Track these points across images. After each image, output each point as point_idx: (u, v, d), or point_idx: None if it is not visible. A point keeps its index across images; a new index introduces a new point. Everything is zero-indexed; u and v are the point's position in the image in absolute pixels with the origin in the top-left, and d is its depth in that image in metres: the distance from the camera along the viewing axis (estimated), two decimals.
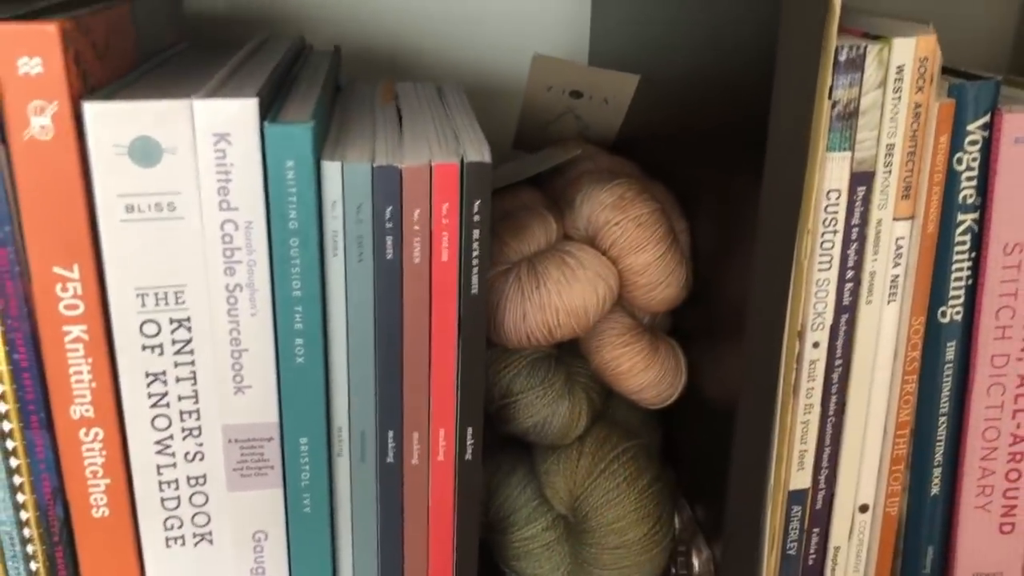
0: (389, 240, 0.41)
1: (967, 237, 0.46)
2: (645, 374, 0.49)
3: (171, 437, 0.42)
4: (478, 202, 0.41)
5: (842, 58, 0.41)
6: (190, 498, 0.43)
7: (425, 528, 0.46)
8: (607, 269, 0.48)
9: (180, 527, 0.44)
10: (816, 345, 0.45)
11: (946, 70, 0.48)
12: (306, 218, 0.40)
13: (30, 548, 0.43)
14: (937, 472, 0.49)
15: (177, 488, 0.43)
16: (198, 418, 0.42)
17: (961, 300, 0.47)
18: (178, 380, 0.42)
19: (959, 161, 0.45)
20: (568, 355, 0.52)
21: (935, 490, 0.50)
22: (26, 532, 0.43)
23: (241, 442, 0.43)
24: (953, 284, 0.46)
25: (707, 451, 0.49)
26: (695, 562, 0.50)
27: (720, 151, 0.46)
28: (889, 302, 0.46)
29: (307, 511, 0.44)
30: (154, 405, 0.42)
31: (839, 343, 0.46)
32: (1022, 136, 0.44)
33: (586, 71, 0.58)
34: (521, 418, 0.50)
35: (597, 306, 0.47)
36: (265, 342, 0.41)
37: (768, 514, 0.47)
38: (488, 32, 0.69)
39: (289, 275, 0.40)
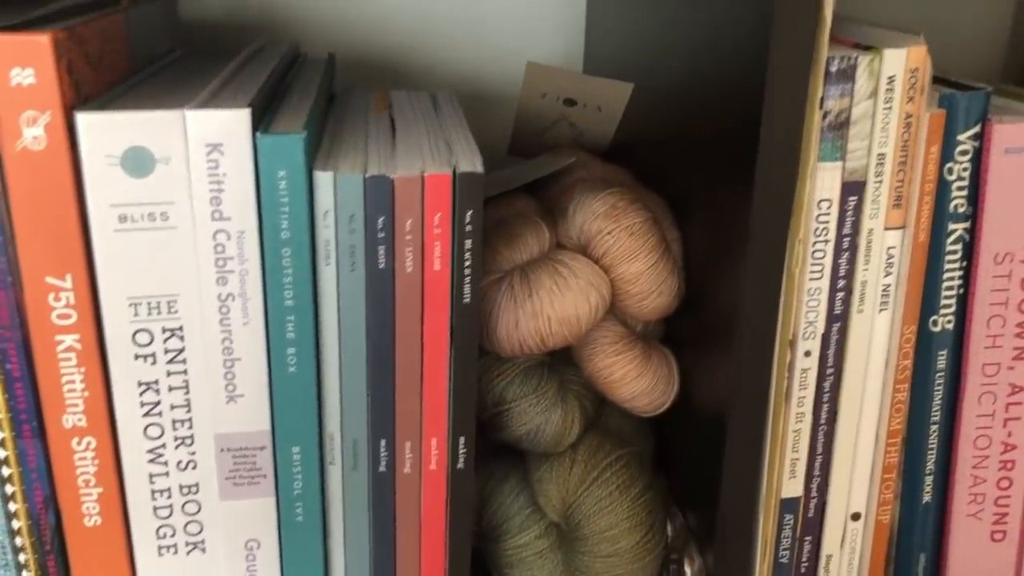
0: (381, 250, 0.41)
1: (958, 246, 0.46)
2: (638, 382, 0.50)
3: (163, 446, 0.42)
4: (470, 212, 0.41)
5: (833, 69, 0.41)
6: (183, 507, 0.43)
7: (417, 537, 0.46)
8: (599, 278, 0.48)
9: (173, 536, 0.44)
10: (808, 354, 0.46)
11: (937, 80, 0.48)
12: (298, 228, 0.40)
13: (22, 557, 0.43)
14: (929, 480, 0.50)
15: (170, 497, 0.43)
16: (191, 427, 0.42)
17: (952, 309, 0.47)
18: (171, 389, 0.42)
19: (950, 171, 0.45)
20: (561, 363, 0.52)
21: (927, 498, 0.50)
22: (18, 541, 0.43)
23: (233, 451, 0.43)
24: (944, 293, 0.47)
25: (699, 459, 0.49)
26: (687, 570, 0.50)
27: (712, 160, 0.47)
28: (881, 311, 0.46)
29: (299, 520, 0.44)
30: (147, 414, 0.42)
31: (831, 352, 0.46)
32: (1012, 146, 0.44)
33: (580, 79, 0.58)
34: (514, 426, 0.50)
35: (589, 315, 0.48)
36: (257, 351, 0.41)
37: (760, 522, 0.48)
38: (484, 39, 0.70)
39: (281, 284, 0.40)
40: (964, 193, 0.45)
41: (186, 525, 0.44)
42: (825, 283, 0.45)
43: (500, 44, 0.70)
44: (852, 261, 0.45)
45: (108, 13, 0.44)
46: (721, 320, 0.46)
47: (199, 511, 0.44)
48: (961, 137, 0.44)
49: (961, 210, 0.45)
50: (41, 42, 0.36)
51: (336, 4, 0.67)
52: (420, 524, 0.45)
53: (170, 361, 0.41)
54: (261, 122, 0.40)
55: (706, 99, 0.47)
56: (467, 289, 0.42)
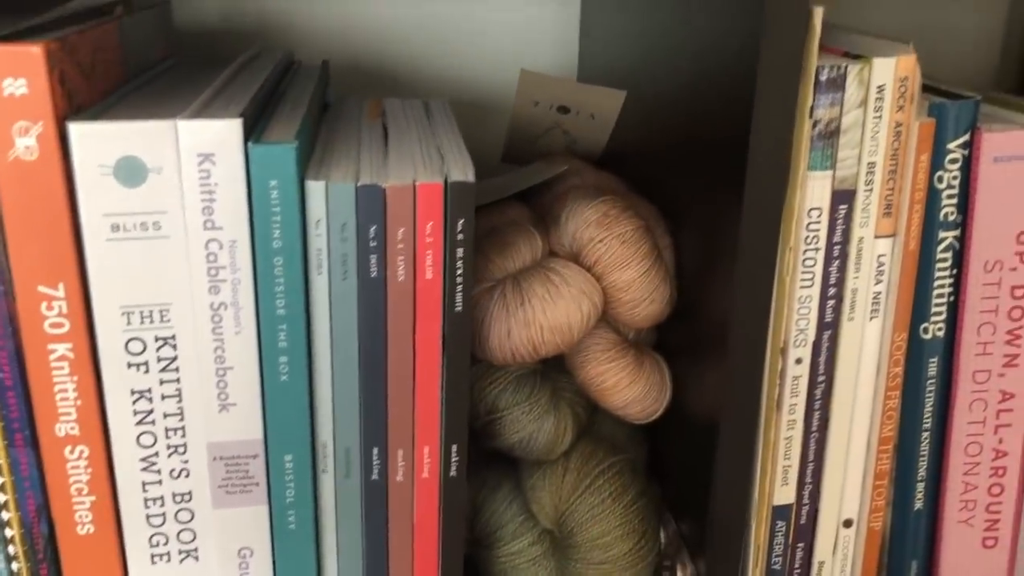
0: (373, 258, 0.41)
1: (948, 254, 0.46)
2: (630, 389, 0.50)
3: (156, 454, 0.42)
4: (462, 221, 0.41)
5: (823, 78, 0.42)
6: (175, 515, 0.43)
7: (410, 545, 0.46)
8: (591, 286, 0.48)
9: (165, 544, 0.44)
10: (799, 361, 0.46)
11: (927, 88, 0.48)
12: (290, 237, 0.40)
13: (15, 566, 0.43)
14: (920, 487, 0.50)
15: (162, 505, 0.43)
16: (183, 435, 0.42)
17: (943, 316, 0.47)
18: (163, 398, 0.42)
19: (940, 179, 0.45)
20: (554, 371, 0.52)
21: (918, 505, 0.50)
22: (11, 549, 0.43)
23: (226, 459, 0.43)
24: (935, 301, 0.47)
25: (692, 466, 0.49)
26: None
27: (704, 168, 0.47)
28: (871, 318, 0.46)
29: (292, 528, 0.44)
30: (139, 422, 0.42)
31: (822, 359, 0.46)
32: (1001, 155, 0.45)
33: (573, 86, 0.58)
34: (507, 434, 0.50)
35: (581, 322, 0.48)
36: (250, 360, 0.41)
37: (752, 529, 0.48)
38: (478, 47, 0.70)
39: (273, 293, 0.41)
40: (954, 201, 0.45)
41: (179, 533, 0.44)
42: (816, 291, 0.45)
43: (494, 52, 0.70)
44: (843, 269, 0.45)
45: (102, 22, 0.44)
46: (713, 328, 0.46)
47: (192, 519, 0.44)
48: (951, 146, 0.45)
49: (951, 218, 0.46)
50: (33, 53, 0.36)
51: (331, 12, 0.68)
52: (413, 532, 0.46)
53: (163, 370, 0.41)
54: (253, 131, 0.41)
55: (698, 107, 0.47)
56: (459, 298, 0.42)
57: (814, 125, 0.42)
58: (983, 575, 0.51)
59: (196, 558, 0.44)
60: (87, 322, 0.40)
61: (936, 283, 0.46)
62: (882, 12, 0.73)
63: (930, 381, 0.48)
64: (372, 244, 0.41)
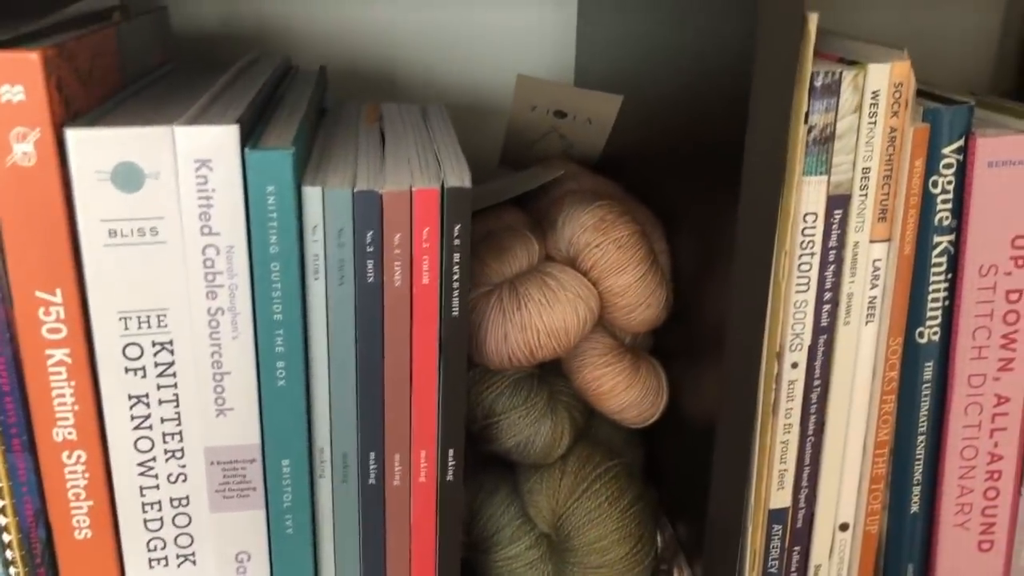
0: (370, 264, 0.41)
1: (943, 259, 0.46)
2: (627, 394, 0.50)
3: (154, 459, 0.43)
4: (458, 226, 0.41)
5: (818, 83, 0.42)
6: (173, 519, 0.44)
7: (407, 549, 0.46)
8: (588, 290, 0.48)
9: (163, 548, 0.44)
10: (795, 365, 0.46)
11: (921, 93, 0.48)
12: (287, 242, 0.40)
13: (12, 571, 0.43)
14: (916, 491, 0.50)
15: (160, 509, 0.43)
16: (181, 440, 0.42)
17: (938, 321, 0.47)
18: (161, 402, 0.42)
19: (934, 184, 0.45)
20: (550, 374, 0.52)
21: (914, 508, 0.50)
22: (8, 554, 0.43)
23: (223, 464, 0.43)
24: (930, 305, 0.47)
25: (688, 470, 0.49)
26: None
27: (700, 173, 0.47)
28: (867, 323, 0.46)
29: (289, 532, 0.44)
30: (137, 427, 0.42)
31: (818, 363, 0.46)
32: (996, 160, 0.45)
33: (570, 91, 0.58)
34: (504, 438, 0.50)
35: (578, 327, 0.48)
36: (247, 365, 0.41)
37: (749, 533, 0.48)
38: (475, 52, 0.70)
39: (270, 299, 0.41)
40: (948, 206, 0.46)
41: (176, 538, 0.44)
42: (811, 295, 0.45)
43: (491, 57, 0.70)
44: (838, 274, 0.45)
45: (99, 27, 0.44)
46: (709, 332, 0.46)
47: (189, 524, 0.44)
48: (945, 151, 0.45)
49: (946, 223, 0.46)
50: (31, 59, 0.36)
51: (328, 16, 0.68)
52: (410, 536, 0.46)
53: (160, 375, 0.41)
54: (251, 137, 0.41)
55: (694, 112, 0.47)
56: (455, 303, 0.42)
57: (809, 130, 0.42)
58: None
59: (194, 562, 0.44)
60: (85, 327, 0.40)
61: (931, 287, 0.47)
62: (878, 16, 0.73)
63: (926, 385, 0.48)
64: (369, 249, 0.41)
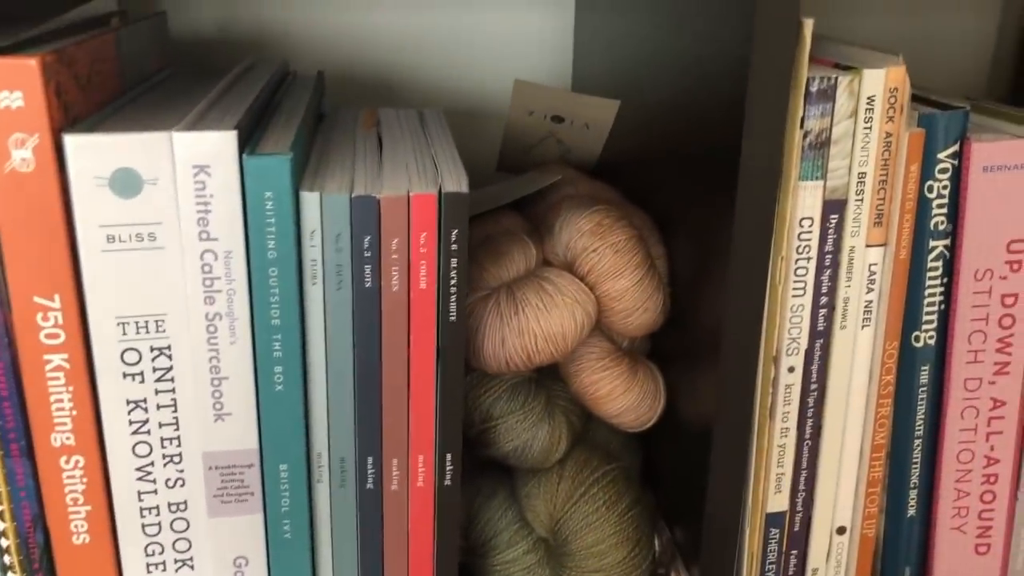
0: (368, 269, 0.41)
1: (939, 263, 0.47)
2: (624, 398, 0.50)
3: (152, 464, 0.43)
4: (455, 231, 0.42)
5: (813, 89, 0.42)
6: (171, 524, 0.44)
7: (405, 553, 0.46)
8: (585, 295, 0.48)
9: (161, 553, 0.44)
10: (791, 369, 0.46)
11: (916, 98, 0.48)
12: (285, 248, 0.40)
13: None
14: (913, 494, 0.50)
15: (158, 514, 0.43)
16: (179, 445, 0.43)
17: (934, 325, 0.47)
18: (159, 407, 0.42)
19: (930, 189, 0.45)
20: (548, 379, 0.52)
21: (911, 512, 0.50)
22: (6, 559, 0.43)
23: (221, 469, 0.43)
24: (926, 309, 0.47)
25: (685, 474, 0.49)
26: None
27: (696, 178, 0.47)
28: (863, 327, 0.46)
29: (287, 537, 0.44)
30: (135, 432, 0.42)
31: (814, 367, 0.46)
32: (991, 164, 0.45)
33: (567, 96, 0.59)
34: (501, 442, 0.50)
35: (575, 331, 0.48)
36: (245, 370, 0.42)
37: (746, 537, 0.48)
38: (473, 57, 0.70)
39: (268, 304, 0.41)
40: (944, 211, 0.46)
41: (174, 542, 0.44)
42: (808, 300, 0.45)
43: (488, 62, 0.70)
44: (834, 278, 0.45)
45: (98, 33, 0.44)
46: (706, 336, 0.46)
47: (187, 528, 0.44)
48: (940, 155, 0.45)
49: (941, 227, 0.46)
50: (29, 65, 0.36)
51: (326, 22, 0.68)
52: (408, 541, 0.46)
53: (158, 380, 0.41)
54: (248, 142, 0.41)
55: (690, 118, 0.47)
56: (453, 307, 0.43)
57: (805, 136, 0.43)
58: None
59: (192, 567, 0.44)
60: (83, 333, 0.40)
61: (927, 292, 0.47)
62: (874, 22, 0.74)
63: (922, 389, 0.48)
64: (366, 254, 0.41)
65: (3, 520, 0.42)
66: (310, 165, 0.44)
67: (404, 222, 0.41)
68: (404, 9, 0.68)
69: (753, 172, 0.42)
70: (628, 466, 0.53)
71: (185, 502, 0.43)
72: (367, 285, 0.42)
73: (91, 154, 0.38)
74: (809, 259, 0.44)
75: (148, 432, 0.42)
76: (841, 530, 0.50)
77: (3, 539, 0.43)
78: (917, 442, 0.49)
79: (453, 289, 0.42)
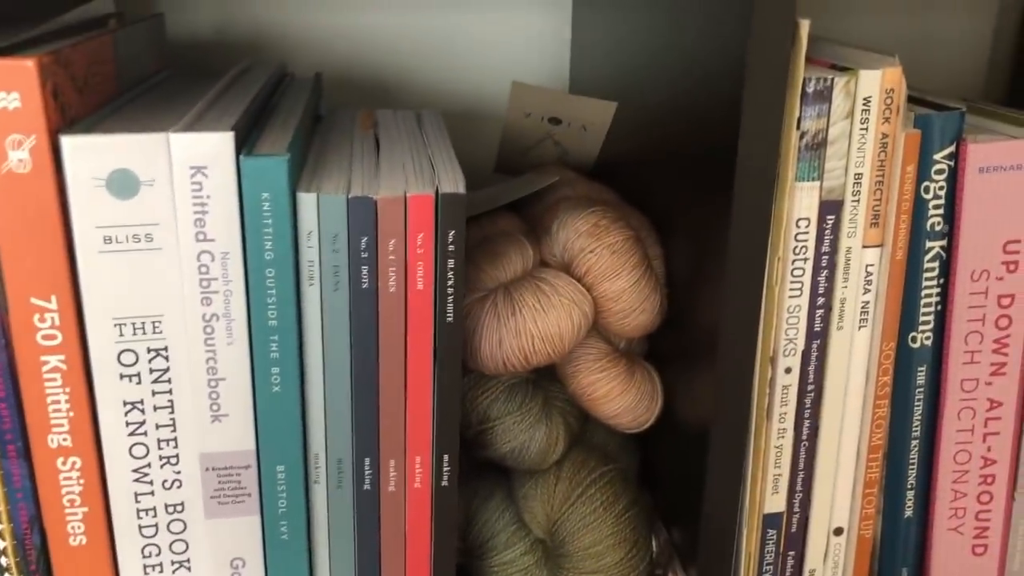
0: (365, 270, 0.41)
1: (935, 264, 0.47)
2: (621, 399, 0.50)
3: (149, 465, 0.43)
4: (452, 232, 0.42)
5: (810, 89, 0.42)
6: (168, 525, 0.44)
7: (402, 554, 0.46)
8: (582, 296, 0.48)
9: (158, 554, 0.44)
10: (788, 370, 0.46)
11: (913, 99, 0.48)
12: (282, 249, 0.40)
13: None
14: (910, 495, 0.50)
15: (155, 516, 0.43)
16: (175, 446, 0.42)
17: (931, 325, 0.47)
18: (155, 409, 0.42)
19: (926, 190, 0.45)
20: (545, 380, 0.52)
21: (908, 513, 0.50)
22: (3, 561, 0.43)
23: (218, 470, 0.43)
24: (923, 310, 0.47)
25: (682, 475, 0.49)
26: None
27: (693, 179, 0.47)
28: (860, 328, 0.46)
29: (284, 538, 0.44)
30: (132, 433, 0.42)
31: (811, 368, 0.46)
32: (987, 165, 0.45)
33: (564, 98, 0.59)
34: (499, 443, 0.50)
35: (572, 332, 0.48)
36: (242, 371, 0.42)
37: (743, 537, 0.48)
38: (470, 59, 0.70)
39: (265, 305, 0.41)
40: (940, 211, 0.46)
41: (171, 544, 0.44)
42: (805, 300, 0.45)
43: (486, 63, 0.70)
44: (831, 279, 0.45)
45: (95, 35, 0.45)
46: (703, 337, 0.46)
47: (184, 530, 0.44)
48: (937, 156, 0.45)
49: (938, 228, 0.46)
50: (26, 67, 0.36)
51: (324, 24, 0.68)
52: (405, 542, 0.46)
53: (155, 381, 0.41)
54: (246, 143, 0.41)
55: (687, 119, 0.48)
56: (450, 308, 0.43)
57: (801, 136, 0.43)
58: None
59: (188, 569, 0.44)
60: (79, 334, 0.40)
61: (923, 292, 0.47)
62: (871, 23, 0.74)
63: (919, 390, 0.48)
64: (363, 255, 0.41)
65: (0, 522, 0.42)
66: (307, 166, 0.44)
67: (401, 223, 0.41)
68: (401, 11, 0.68)
69: (749, 173, 0.42)
70: (625, 467, 0.53)
71: (182, 503, 0.43)
72: (364, 286, 0.42)
73: (88, 155, 0.38)
74: (806, 260, 0.44)
75: (145, 433, 0.42)
76: (838, 531, 0.50)
77: (0, 541, 0.43)
78: (914, 443, 0.49)
79: (450, 290, 0.42)
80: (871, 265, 0.46)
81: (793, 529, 0.49)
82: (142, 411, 0.42)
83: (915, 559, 0.51)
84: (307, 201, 0.40)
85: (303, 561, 0.45)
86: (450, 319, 0.43)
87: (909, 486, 0.50)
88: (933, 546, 0.51)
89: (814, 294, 0.45)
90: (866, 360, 0.47)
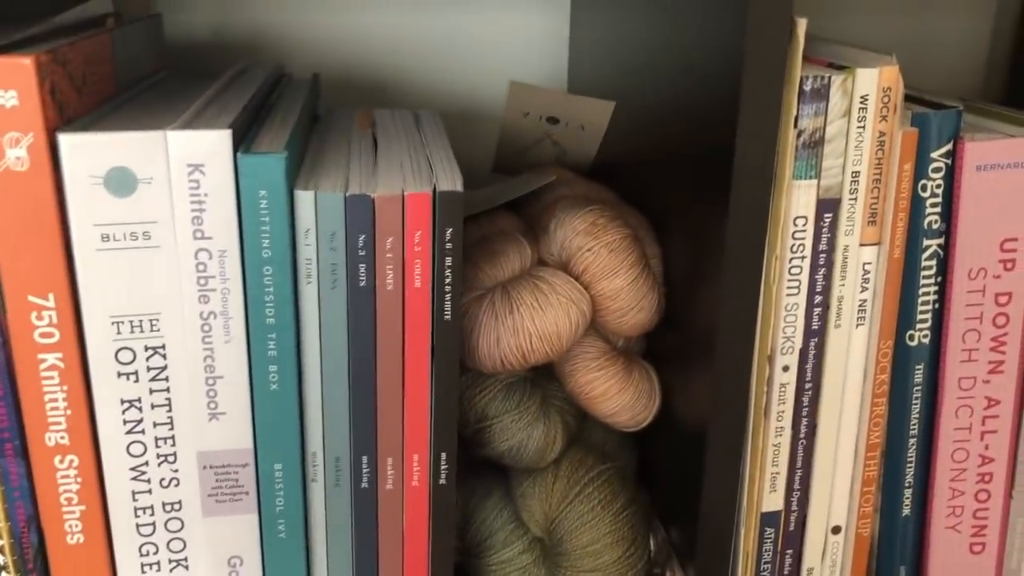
0: (362, 268, 0.41)
1: (933, 262, 0.47)
2: (619, 397, 0.50)
3: (146, 463, 0.43)
4: (450, 230, 0.42)
5: (807, 88, 0.42)
6: (165, 524, 0.44)
7: (400, 553, 0.46)
8: (580, 294, 0.48)
9: (156, 553, 0.44)
10: (786, 368, 0.46)
11: (910, 98, 0.49)
12: (279, 246, 0.40)
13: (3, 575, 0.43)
14: (908, 493, 0.50)
15: (152, 514, 0.43)
16: (173, 444, 0.42)
17: (928, 324, 0.47)
18: (153, 407, 0.42)
19: (923, 188, 0.46)
20: (543, 378, 0.52)
21: (906, 511, 0.50)
22: (0, 559, 0.43)
23: (216, 468, 0.43)
24: (920, 308, 0.47)
25: (680, 473, 0.49)
26: None
27: (691, 178, 0.47)
28: (857, 326, 0.46)
29: (282, 536, 0.44)
30: (129, 432, 0.42)
31: (809, 366, 0.46)
32: (984, 163, 0.45)
33: (562, 97, 0.59)
34: (497, 442, 0.50)
35: (570, 331, 0.48)
36: (239, 369, 0.42)
37: (741, 536, 0.48)
38: (468, 59, 0.70)
39: (263, 303, 0.41)
40: (938, 210, 0.46)
41: (169, 542, 0.44)
42: (802, 299, 0.45)
43: (484, 64, 0.71)
44: (828, 277, 0.45)
45: (94, 34, 0.45)
46: (700, 335, 0.46)
47: (182, 528, 0.44)
48: (934, 155, 0.45)
49: (935, 226, 0.46)
50: (24, 64, 0.36)
51: (322, 24, 0.68)
52: (403, 540, 0.46)
53: (153, 379, 0.41)
54: (243, 142, 0.41)
55: (685, 118, 0.48)
56: (448, 306, 0.43)
57: (799, 135, 0.43)
58: None
59: (186, 567, 0.44)
60: (77, 332, 0.40)
61: (921, 290, 0.47)
62: (870, 23, 0.74)
63: (916, 388, 0.48)
64: (361, 253, 0.41)
65: None
66: (305, 164, 0.44)
67: (399, 221, 0.41)
68: (399, 11, 0.69)
69: (747, 171, 0.42)
70: (623, 466, 0.53)
71: (180, 502, 0.43)
72: (362, 284, 0.42)
73: (86, 153, 0.38)
74: (803, 258, 0.45)
75: (142, 431, 0.42)
76: (836, 529, 0.50)
77: None
78: (912, 441, 0.49)
79: (448, 288, 0.42)
80: (868, 263, 0.46)
81: (791, 527, 0.49)
82: (140, 409, 0.42)
83: (913, 557, 0.51)
84: (305, 199, 0.40)
85: (301, 560, 0.45)
86: (448, 317, 0.43)
87: (907, 484, 0.50)
88: (931, 544, 0.51)
89: (812, 292, 0.45)
90: (864, 358, 0.47)
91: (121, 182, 0.39)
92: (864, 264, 0.46)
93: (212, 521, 0.44)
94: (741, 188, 0.42)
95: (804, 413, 0.47)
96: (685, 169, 0.48)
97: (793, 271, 0.45)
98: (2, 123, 0.37)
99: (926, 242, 0.46)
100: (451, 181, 0.42)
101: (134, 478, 0.43)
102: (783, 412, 0.47)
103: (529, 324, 0.47)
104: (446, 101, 0.71)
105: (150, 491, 0.43)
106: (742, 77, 0.40)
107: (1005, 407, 0.49)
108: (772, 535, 0.48)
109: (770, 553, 0.49)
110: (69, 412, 0.41)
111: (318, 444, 0.44)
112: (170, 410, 0.42)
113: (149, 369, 0.41)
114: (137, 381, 0.41)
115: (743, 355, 0.44)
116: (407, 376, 0.43)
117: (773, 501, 0.48)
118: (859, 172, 0.44)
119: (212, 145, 0.39)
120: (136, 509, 0.43)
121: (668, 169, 0.51)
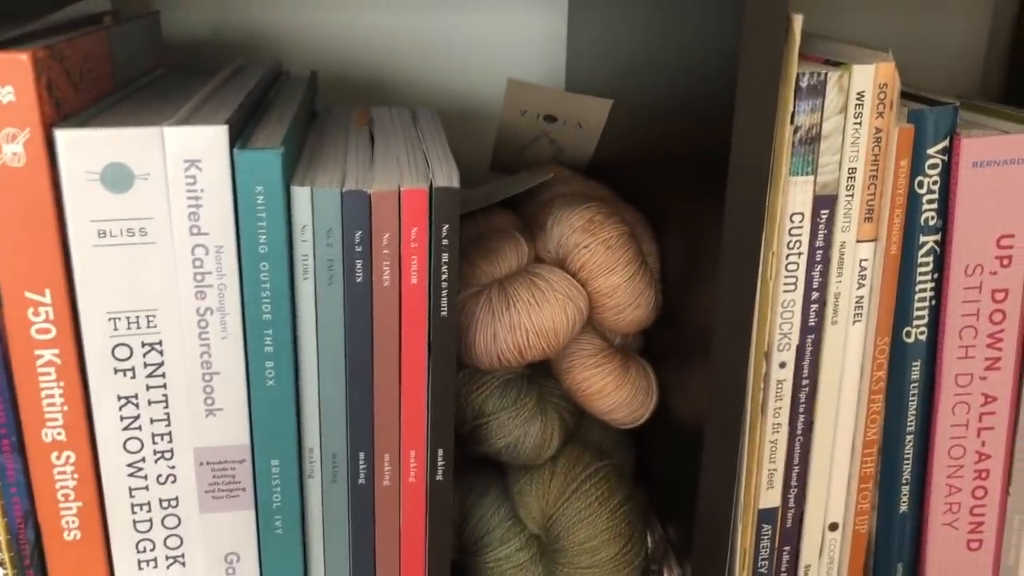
0: (359, 264, 0.41)
1: (929, 258, 0.47)
2: (616, 394, 0.50)
3: (143, 460, 0.43)
4: (446, 226, 0.42)
5: (803, 84, 0.42)
6: (162, 520, 0.44)
7: (397, 549, 0.46)
8: (576, 291, 0.48)
9: (152, 549, 0.44)
10: (783, 365, 0.46)
11: (907, 95, 0.49)
12: (276, 242, 0.40)
13: (1, 572, 0.43)
14: (905, 490, 0.50)
15: (149, 510, 0.43)
16: (170, 441, 0.43)
17: (925, 320, 0.47)
18: (150, 403, 0.42)
19: (920, 184, 0.46)
20: (540, 375, 0.52)
21: (903, 508, 0.50)
22: None
23: (213, 464, 0.43)
24: (917, 304, 0.47)
25: (677, 470, 0.49)
26: None
27: (688, 175, 0.47)
28: (854, 322, 0.46)
29: (279, 533, 0.44)
30: (126, 428, 0.42)
31: (806, 363, 0.46)
32: (980, 160, 0.45)
33: (560, 96, 0.59)
34: (493, 439, 0.50)
35: (567, 327, 0.48)
36: (236, 365, 0.42)
37: (739, 533, 0.48)
38: (466, 58, 0.70)
39: (259, 299, 0.41)
40: (934, 206, 0.46)
41: (166, 539, 0.44)
42: (799, 295, 0.45)
43: (482, 62, 0.71)
44: (825, 273, 0.45)
45: (91, 31, 0.45)
46: (697, 332, 0.46)
47: (179, 524, 0.44)
48: (930, 151, 0.45)
49: (931, 223, 0.46)
50: (21, 60, 0.37)
51: (319, 22, 0.68)
52: (399, 537, 0.46)
53: (149, 375, 0.41)
54: (240, 138, 0.41)
55: (682, 115, 0.48)
56: (444, 302, 0.43)
57: (795, 131, 0.43)
58: None
59: (183, 563, 0.44)
60: (74, 328, 0.40)
61: (918, 287, 0.47)
62: (867, 21, 0.74)
63: (913, 384, 0.48)
64: (357, 249, 0.41)
65: None
66: (302, 161, 0.44)
67: (395, 217, 0.41)
68: (397, 10, 0.69)
69: (743, 168, 0.42)
70: (620, 463, 0.53)
71: (176, 498, 0.43)
72: (358, 280, 0.42)
73: (82, 149, 0.38)
74: (800, 254, 0.45)
75: (139, 428, 0.42)
76: (833, 526, 0.50)
77: None
78: (909, 438, 0.49)
79: (444, 284, 0.42)
80: (865, 260, 0.46)
81: (788, 524, 0.49)
82: (136, 405, 0.42)
83: (910, 554, 0.51)
84: (301, 195, 0.40)
85: (298, 556, 0.45)
86: (444, 313, 0.43)
87: (904, 481, 0.50)
88: (928, 541, 0.51)
89: (808, 289, 0.45)
90: (860, 355, 0.47)
91: (118, 178, 0.39)
92: (861, 260, 0.46)
93: (209, 517, 0.44)
94: (737, 185, 0.42)
95: (801, 410, 0.47)
96: (682, 166, 0.48)
97: (790, 267, 0.45)
98: None
99: (923, 238, 0.46)
100: (448, 177, 0.42)
101: (131, 474, 0.43)
102: (780, 409, 0.47)
103: (526, 320, 0.47)
104: (444, 99, 0.71)
105: (147, 487, 0.43)
106: (738, 74, 0.40)
107: (1002, 404, 0.49)
108: (769, 532, 0.49)
109: (767, 550, 0.49)
110: (66, 408, 0.41)
111: (315, 440, 0.44)
112: (167, 406, 0.42)
113: (146, 365, 0.41)
114: (134, 377, 0.41)
115: (740, 352, 0.44)
116: (404, 372, 0.43)
117: (770, 498, 0.48)
118: (855, 168, 0.44)
119: (209, 141, 0.39)
120: (133, 505, 0.43)
121: (665, 167, 0.51)
